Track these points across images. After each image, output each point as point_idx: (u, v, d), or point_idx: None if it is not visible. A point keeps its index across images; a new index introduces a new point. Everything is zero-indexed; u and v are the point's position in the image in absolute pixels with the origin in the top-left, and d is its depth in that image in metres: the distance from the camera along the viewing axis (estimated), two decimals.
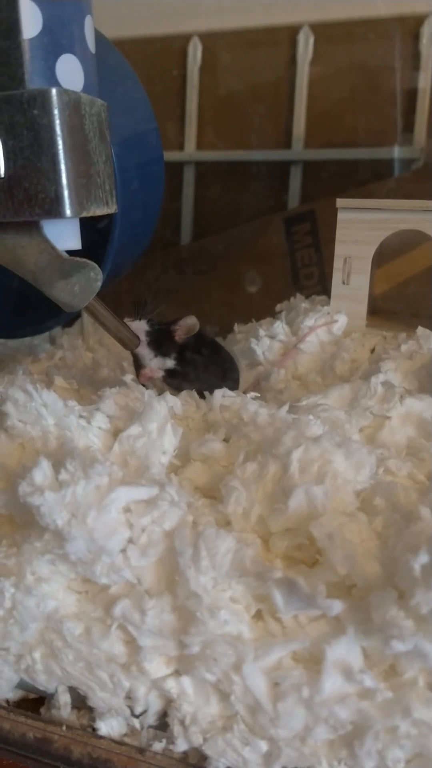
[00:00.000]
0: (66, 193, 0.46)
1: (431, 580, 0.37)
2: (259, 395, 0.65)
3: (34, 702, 0.49)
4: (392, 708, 0.39)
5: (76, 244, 0.53)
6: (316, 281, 1.35)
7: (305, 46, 1.34)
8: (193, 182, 1.45)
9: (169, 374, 0.68)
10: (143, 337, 0.66)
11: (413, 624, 0.38)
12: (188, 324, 0.68)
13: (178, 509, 0.46)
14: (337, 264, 0.84)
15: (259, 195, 1.46)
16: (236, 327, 0.95)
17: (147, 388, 0.68)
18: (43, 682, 0.46)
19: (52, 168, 0.45)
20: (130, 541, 0.45)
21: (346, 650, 0.40)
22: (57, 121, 0.45)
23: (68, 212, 0.46)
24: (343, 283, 0.84)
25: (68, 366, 0.96)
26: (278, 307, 0.97)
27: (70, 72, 0.48)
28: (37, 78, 0.46)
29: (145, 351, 0.67)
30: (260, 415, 0.56)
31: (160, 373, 0.68)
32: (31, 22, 0.45)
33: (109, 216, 0.79)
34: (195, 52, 1.42)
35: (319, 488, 0.46)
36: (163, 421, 0.53)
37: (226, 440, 0.59)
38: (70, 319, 1.02)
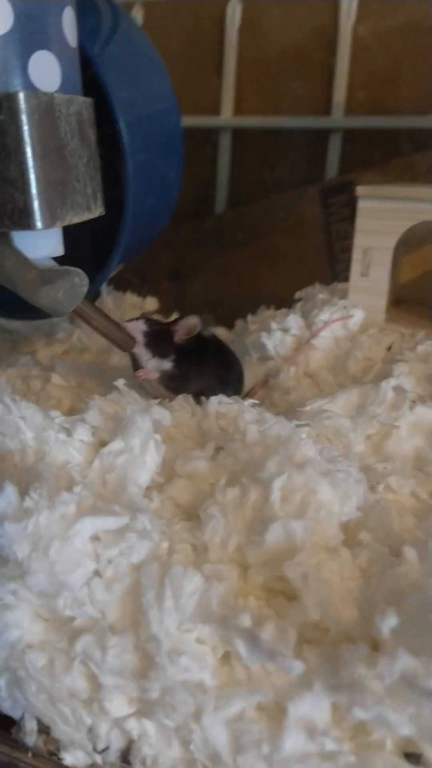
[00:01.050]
0: (36, 204, 0.43)
1: (399, 647, 0.35)
2: (258, 402, 0.62)
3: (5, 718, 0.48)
4: None
5: (57, 250, 0.50)
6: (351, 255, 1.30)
7: (349, 4, 1.27)
8: (229, 149, 1.40)
9: (166, 376, 0.65)
10: (140, 338, 0.64)
11: (380, 688, 0.35)
12: (189, 325, 0.65)
13: (148, 541, 0.43)
14: (356, 255, 0.80)
15: (296, 164, 1.40)
16: (249, 318, 0.92)
17: (145, 388, 0.66)
18: (8, 708, 0.45)
19: (21, 178, 0.43)
20: (96, 573, 0.43)
21: (311, 707, 0.37)
22: (25, 128, 0.42)
23: (38, 224, 0.44)
24: (362, 275, 0.80)
25: (81, 349, 0.94)
26: (297, 294, 0.93)
27: (44, 70, 0.45)
28: (6, 78, 0.43)
29: (141, 351, 0.64)
30: (250, 432, 0.54)
31: (156, 374, 0.65)
32: (0, 18, 0.42)
33: (121, 199, 0.76)
34: (234, 13, 1.35)
35: (297, 523, 0.44)
36: (146, 437, 0.51)
37: (218, 450, 0.56)
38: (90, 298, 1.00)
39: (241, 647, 0.38)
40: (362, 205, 0.78)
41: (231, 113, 1.37)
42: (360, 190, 0.78)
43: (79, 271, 0.51)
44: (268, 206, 1.36)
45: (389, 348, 0.77)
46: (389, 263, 0.79)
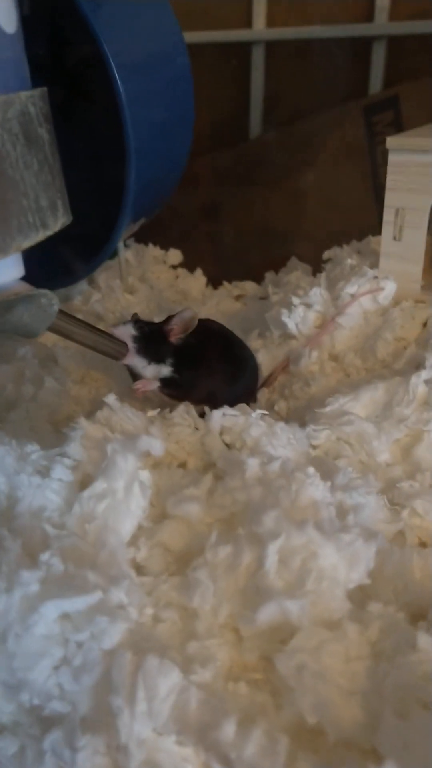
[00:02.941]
0: None
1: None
2: (267, 413, 0.55)
3: None
4: None
5: (15, 273, 0.43)
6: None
7: None
8: (263, 65, 1.27)
9: (165, 384, 0.58)
10: (131, 344, 0.57)
11: None
12: (184, 319, 0.57)
13: (122, 622, 0.38)
14: (388, 216, 0.70)
15: (335, 79, 1.28)
16: (270, 289, 0.83)
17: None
18: None
19: None
20: (65, 660, 0.38)
21: None
22: None
23: None
24: (395, 239, 0.70)
25: (98, 318, 0.88)
26: (326, 254, 0.84)
27: None
28: None
29: (135, 360, 0.57)
30: (249, 468, 0.47)
31: (155, 385, 0.58)
32: None
33: (123, 164, 0.68)
34: None
35: (294, 603, 0.37)
36: (130, 479, 0.45)
37: (216, 480, 0.50)
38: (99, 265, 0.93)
39: None
40: (394, 159, 0.68)
41: (263, 24, 1.23)
42: (390, 141, 0.68)
43: (45, 291, 0.44)
44: (306, 128, 1.24)
45: (425, 324, 0.68)
46: (425, 225, 0.69)
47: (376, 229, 1.13)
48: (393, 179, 0.69)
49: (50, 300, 0.45)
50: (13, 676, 0.36)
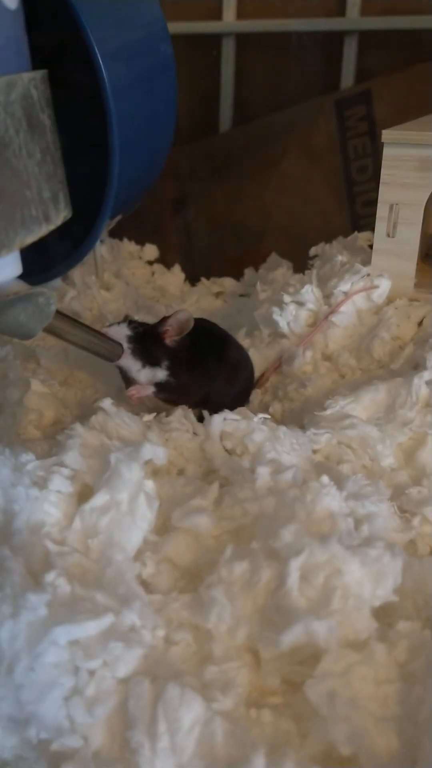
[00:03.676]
0: None
1: None
2: (269, 417, 0.53)
3: None
4: None
5: (13, 271, 0.40)
6: (370, 176, 1.18)
7: None
8: (233, 58, 1.25)
9: (161, 388, 0.55)
10: (125, 344, 0.54)
11: None
12: (179, 321, 0.54)
13: (137, 647, 0.35)
14: (381, 212, 0.68)
15: (307, 73, 1.26)
16: (258, 285, 0.81)
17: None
18: None
19: None
20: (76, 690, 0.35)
21: None
22: None
23: None
24: (388, 235, 0.69)
25: (76, 315, 0.84)
26: (312, 250, 0.82)
27: None
28: None
29: (129, 362, 0.54)
30: (260, 477, 0.44)
31: (150, 390, 0.55)
32: None
33: (104, 157, 0.65)
34: None
35: (321, 624, 0.35)
36: (135, 490, 0.42)
37: (222, 488, 0.47)
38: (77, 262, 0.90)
39: None
40: (389, 152, 0.66)
41: (234, 16, 1.21)
42: (386, 135, 0.66)
43: (43, 290, 0.41)
44: (278, 122, 1.23)
45: (420, 323, 0.67)
46: (420, 221, 0.67)
47: (348, 226, 1.13)
48: (388, 173, 0.67)
49: (48, 299, 0.42)
50: (21, 709, 0.33)
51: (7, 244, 0.35)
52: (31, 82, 0.36)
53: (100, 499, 0.42)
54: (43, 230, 0.38)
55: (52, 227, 0.39)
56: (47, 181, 0.38)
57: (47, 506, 0.43)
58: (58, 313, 0.47)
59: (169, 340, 0.55)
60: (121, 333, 0.54)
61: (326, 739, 0.33)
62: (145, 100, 0.71)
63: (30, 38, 0.73)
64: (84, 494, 0.44)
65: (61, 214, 0.40)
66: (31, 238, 0.37)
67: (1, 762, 0.37)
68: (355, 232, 0.82)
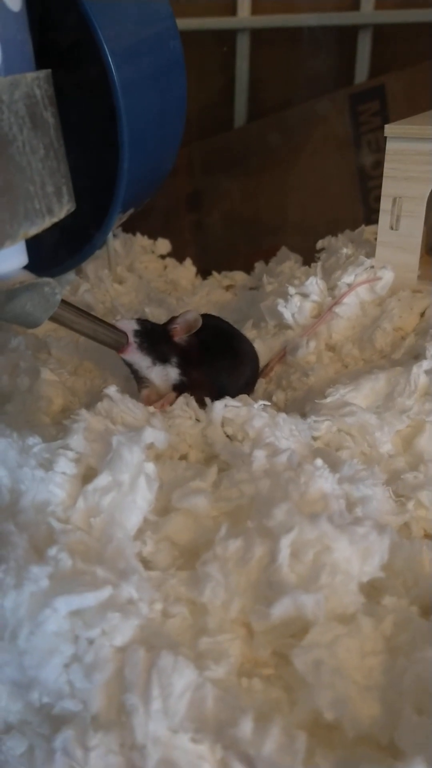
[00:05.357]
0: None
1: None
2: (269, 404, 0.54)
3: None
4: None
5: (19, 261, 0.42)
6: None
7: None
8: (248, 54, 1.26)
9: (177, 390, 0.57)
10: (132, 338, 0.55)
11: None
12: (188, 321, 0.56)
13: (134, 618, 0.37)
14: (385, 205, 0.70)
15: (321, 68, 1.27)
16: (265, 278, 0.82)
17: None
18: None
19: None
20: (75, 658, 0.37)
21: None
22: None
23: None
24: (392, 228, 0.70)
25: (88, 308, 0.86)
26: (319, 243, 0.83)
27: None
28: None
29: (137, 357, 0.56)
30: (257, 460, 0.46)
31: (173, 397, 0.57)
32: None
33: (114, 152, 0.67)
34: None
35: (309, 597, 0.37)
36: (135, 472, 0.44)
37: (221, 473, 0.49)
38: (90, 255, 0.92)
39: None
40: (392, 146, 0.67)
41: (248, 12, 1.22)
42: (389, 129, 0.67)
43: (48, 280, 0.43)
44: (291, 117, 1.23)
45: (422, 314, 0.68)
46: (423, 214, 0.69)
47: (361, 219, 1.13)
48: (391, 167, 0.68)
49: (53, 289, 0.44)
50: (24, 674, 0.36)
51: (11, 235, 0.37)
52: (34, 81, 0.38)
53: (102, 480, 0.44)
54: (47, 222, 0.40)
55: (55, 219, 0.41)
56: (50, 176, 0.40)
57: (52, 487, 0.45)
58: (64, 302, 0.49)
59: (178, 337, 0.57)
60: (129, 327, 0.56)
61: (313, 706, 0.35)
62: (155, 96, 0.72)
63: (42, 37, 0.75)
64: (88, 476, 0.46)
65: (64, 208, 0.42)
66: (35, 230, 0.39)
67: (7, 726, 0.39)
68: (362, 225, 0.84)
